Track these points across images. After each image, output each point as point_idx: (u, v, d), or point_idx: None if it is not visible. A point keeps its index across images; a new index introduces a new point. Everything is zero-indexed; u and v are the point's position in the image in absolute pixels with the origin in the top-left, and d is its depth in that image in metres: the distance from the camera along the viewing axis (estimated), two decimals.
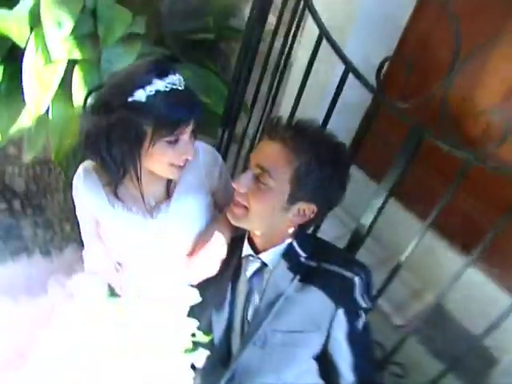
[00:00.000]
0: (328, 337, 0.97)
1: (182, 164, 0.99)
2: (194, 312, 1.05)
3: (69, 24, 1.40)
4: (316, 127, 1.01)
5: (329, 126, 1.12)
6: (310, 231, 1.13)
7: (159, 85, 0.89)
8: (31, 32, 1.43)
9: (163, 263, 1.11)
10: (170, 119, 0.90)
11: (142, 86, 0.88)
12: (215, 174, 1.13)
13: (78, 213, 1.13)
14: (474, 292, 1.29)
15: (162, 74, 0.90)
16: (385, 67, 1.01)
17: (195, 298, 1.03)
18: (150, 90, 0.88)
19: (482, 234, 0.92)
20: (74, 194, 1.10)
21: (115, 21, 1.51)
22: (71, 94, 1.44)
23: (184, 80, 0.93)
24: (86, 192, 1.06)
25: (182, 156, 0.97)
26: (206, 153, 1.10)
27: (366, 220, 1.08)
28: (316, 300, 0.96)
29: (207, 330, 1.05)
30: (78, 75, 1.43)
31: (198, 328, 1.03)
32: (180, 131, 0.93)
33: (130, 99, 0.88)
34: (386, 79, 1.55)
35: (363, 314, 0.98)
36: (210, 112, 1.69)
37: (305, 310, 0.97)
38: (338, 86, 1.10)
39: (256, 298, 1.02)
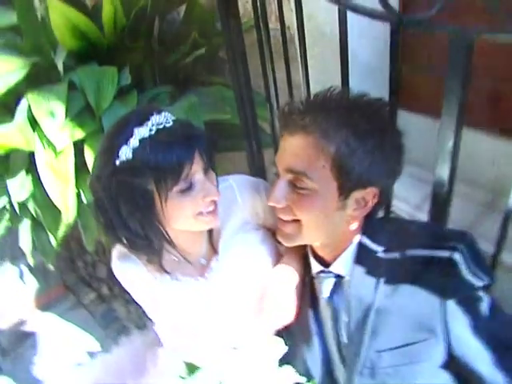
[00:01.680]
0: (448, 338, 0.74)
1: (210, 209, 0.84)
2: (285, 358, 0.89)
3: (61, 109, 1.35)
4: (337, 95, 0.79)
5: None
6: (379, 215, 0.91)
7: (142, 132, 0.76)
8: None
9: (233, 319, 0.98)
10: (168, 164, 0.75)
11: (125, 142, 0.76)
12: (259, 206, 0.96)
13: (132, 295, 1.05)
14: None
15: (142, 120, 0.77)
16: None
17: (282, 348, 0.87)
18: (134, 142, 0.75)
19: None
20: (119, 280, 1.00)
21: (102, 84, 1.43)
22: None
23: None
24: (130, 278, 0.97)
25: (205, 199, 0.81)
26: (241, 187, 0.95)
27: (442, 170, 0.84)
28: (415, 300, 0.75)
29: (305, 372, 0.88)
30: (89, 153, 1.38)
31: (297, 373, 0.87)
32: (187, 173, 0.78)
33: (117, 162, 0.76)
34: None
35: (484, 294, 0.74)
36: (233, 126, 1.55)
37: (405, 316, 0.76)
38: (340, 33, 0.90)
39: (345, 319, 0.83)
